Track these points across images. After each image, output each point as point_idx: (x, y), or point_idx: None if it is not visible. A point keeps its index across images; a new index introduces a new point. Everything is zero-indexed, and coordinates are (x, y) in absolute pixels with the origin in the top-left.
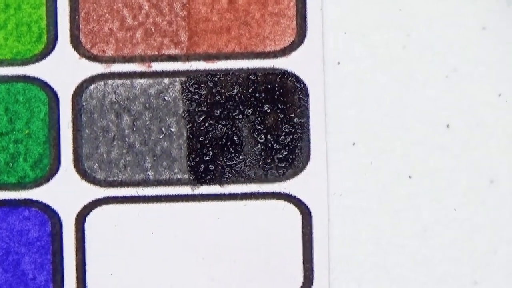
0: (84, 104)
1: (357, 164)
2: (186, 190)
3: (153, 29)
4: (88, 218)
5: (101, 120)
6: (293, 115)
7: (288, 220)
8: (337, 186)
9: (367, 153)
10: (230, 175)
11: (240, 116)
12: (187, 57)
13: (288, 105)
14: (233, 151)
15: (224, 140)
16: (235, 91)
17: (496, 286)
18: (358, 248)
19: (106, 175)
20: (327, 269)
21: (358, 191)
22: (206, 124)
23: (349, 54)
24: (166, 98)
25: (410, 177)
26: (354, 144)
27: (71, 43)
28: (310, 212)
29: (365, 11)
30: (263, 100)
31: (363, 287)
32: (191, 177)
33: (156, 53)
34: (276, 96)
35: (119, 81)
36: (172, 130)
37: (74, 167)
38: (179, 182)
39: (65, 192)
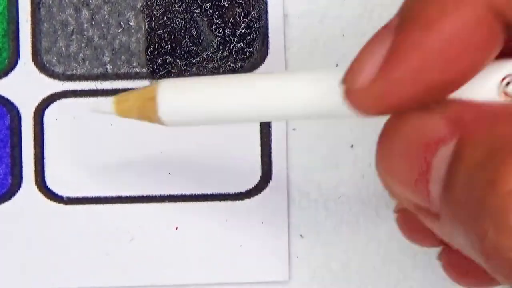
0: None
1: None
2: (144, 83)
3: None
4: (46, 112)
5: (60, 14)
6: (251, 9)
7: None
8: None
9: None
10: (188, 69)
11: (198, 10)
12: None
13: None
14: (191, 44)
15: (182, 34)
16: None
17: None
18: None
19: (64, 69)
20: (285, 163)
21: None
22: (165, 18)
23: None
24: None
25: None
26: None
27: None
28: None
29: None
30: None
31: (322, 185)
32: (149, 71)
33: None
34: None
35: None
36: (131, 24)
37: (33, 60)
38: (137, 76)
39: (24, 85)
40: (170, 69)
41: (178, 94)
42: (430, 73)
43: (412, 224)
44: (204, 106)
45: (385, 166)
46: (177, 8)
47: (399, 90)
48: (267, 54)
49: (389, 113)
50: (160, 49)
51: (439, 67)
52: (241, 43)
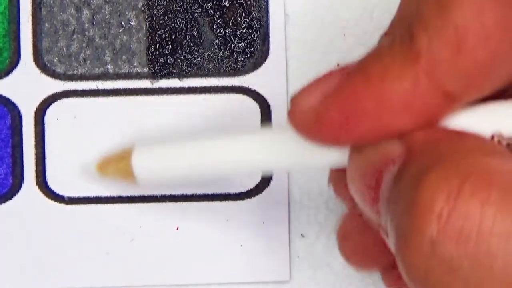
0: None
1: None
2: (145, 83)
3: None
4: (47, 112)
5: (61, 13)
6: (252, 9)
7: (247, 113)
8: (295, 80)
9: None
10: (189, 69)
11: (199, 10)
12: None
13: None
14: (192, 44)
15: (183, 33)
16: None
17: None
18: None
19: (65, 69)
20: None
21: None
22: (166, 17)
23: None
24: None
25: None
26: None
27: None
28: (269, 106)
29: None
30: None
31: (322, 185)
32: (150, 71)
33: None
34: None
35: None
36: (132, 23)
37: (34, 60)
38: (138, 76)
39: (25, 85)
40: (171, 69)
41: (150, 156)
42: (360, 122)
43: (353, 248)
44: (173, 168)
45: (350, 186)
46: (178, 8)
47: (328, 123)
48: (268, 54)
49: (327, 142)
50: (161, 49)
51: (369, 120)
52: (242, 43)
